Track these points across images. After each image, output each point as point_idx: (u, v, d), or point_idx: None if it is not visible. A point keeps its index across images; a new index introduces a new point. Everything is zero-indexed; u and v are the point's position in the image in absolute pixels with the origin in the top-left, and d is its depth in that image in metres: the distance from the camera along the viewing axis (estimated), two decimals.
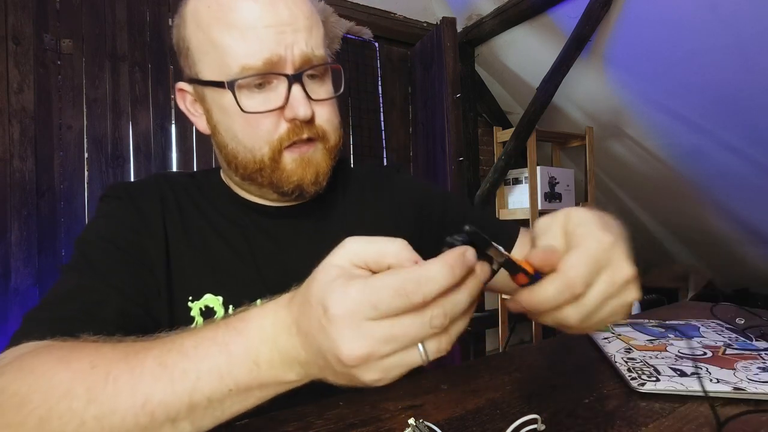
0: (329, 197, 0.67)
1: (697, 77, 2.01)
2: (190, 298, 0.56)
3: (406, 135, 2.64)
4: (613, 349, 0.66)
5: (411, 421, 0.42)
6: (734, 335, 0.72)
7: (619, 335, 0.73)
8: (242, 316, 0.35)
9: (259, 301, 0.36)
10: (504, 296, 2.53)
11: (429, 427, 0.43)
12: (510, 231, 0.69)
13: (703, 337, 0.72)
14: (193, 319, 0.56)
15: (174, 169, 1.92)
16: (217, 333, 0.35)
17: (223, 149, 0.59)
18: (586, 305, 0.34)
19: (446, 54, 2.25)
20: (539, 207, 2.40)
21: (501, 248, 0.33)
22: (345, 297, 0.28)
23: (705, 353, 0.63)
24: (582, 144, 2.62)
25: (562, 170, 2.55)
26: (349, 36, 2.33)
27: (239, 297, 0.50)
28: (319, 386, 0.58)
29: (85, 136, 1.74)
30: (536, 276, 0.34)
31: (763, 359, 0.59)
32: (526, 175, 2.43)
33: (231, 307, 0.57)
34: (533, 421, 0.42)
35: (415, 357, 0.29)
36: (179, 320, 0.55)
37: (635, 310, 2.67)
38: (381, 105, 2.53)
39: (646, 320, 0.84)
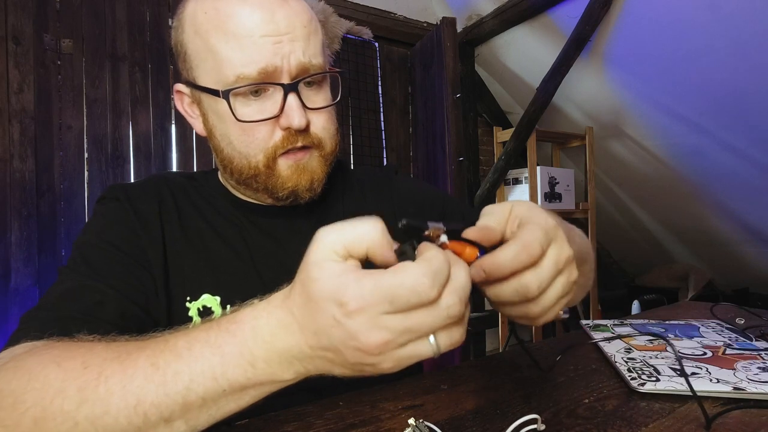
0: (329, 197, 0.67)
1: (697, 77, 2.01)
2: (188, 298, 0.56)
3: (406, 135, 2.64)
4: (613, 349, 0.66)
5: (411, 421, 0.42)
6: (734, 335, 0.72)
7: (619, 335, 0.73)
8: (234, 317, 0.35)
9: (256, 300, 0.36)
10: None
11: (429, 427, 0.43)
12: None
13: (703, 337, 0.72)
14: (191, 319, 0.56)
15: (174, 169, 1.92)
16: (209, 334, 0.35)
17: (219, 153, 0.59)
18: (543, 270, 0.35)
19: (446, 54, 2.25)
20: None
21: (440, 224, 0.35)
22: (362, 293, 0.29)
23: (705, 353, 0.63)
24: (582, 144, 2.62)
25: (562, 170, 2.55)
26: (349, 36, 2.33)
27: (237, 297, 0.50)
28: (319, 386, 0.58)
29: (85, 136, 1.74)
30: (482, 252, 0.36)
31: (763, 359, 0.59)
32: (526, 175, 2.43)
33: (229, 307, 0.57)
34: (533, 421, 0.42)
35: (426, 348, 0.30)
36: (177, 320, 0.55)
37: (635, 310, 2.68)
38: (381, 105, 2.53)
39: (646, 320, 0.84)
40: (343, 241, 0.31)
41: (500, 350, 2.57)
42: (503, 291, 0.36)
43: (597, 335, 0.74)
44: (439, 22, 2.32)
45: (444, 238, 0.35)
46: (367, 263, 0.32)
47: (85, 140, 1.74)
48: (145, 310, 0.54)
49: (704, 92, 2.05)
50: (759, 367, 0.56)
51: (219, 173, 0.69)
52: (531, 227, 0.35)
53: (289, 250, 0.63)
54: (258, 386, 0.35)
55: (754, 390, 0.49)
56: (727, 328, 0.76)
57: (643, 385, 0.52)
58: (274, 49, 0.52)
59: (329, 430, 0.45)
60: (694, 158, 2.35)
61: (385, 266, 0.31)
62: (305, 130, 0.56)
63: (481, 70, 2.89)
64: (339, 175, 0.70)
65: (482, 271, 0.35)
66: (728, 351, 0.64)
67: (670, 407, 0.48)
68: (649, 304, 2.62)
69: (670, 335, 0.73)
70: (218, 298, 0.57)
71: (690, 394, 0.50)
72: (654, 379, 0.53)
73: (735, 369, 0.56)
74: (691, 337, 0.71)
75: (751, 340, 0.69)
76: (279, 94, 0.54)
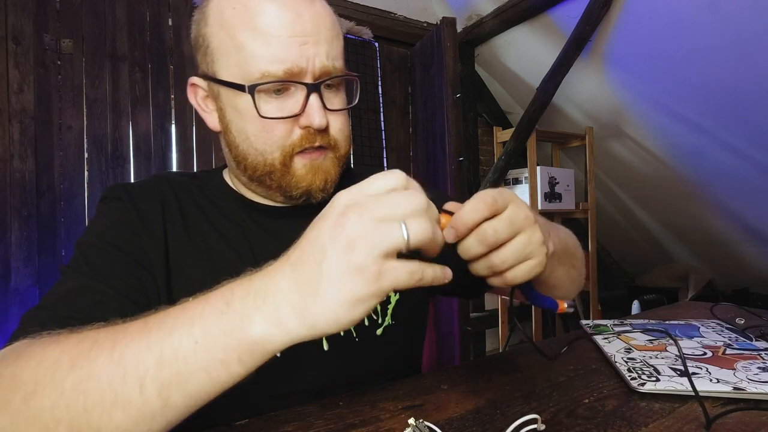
0: (332, 197, 0.67)
1: (697, 77, 2.01)
2: (190, 299, 0.56)
3: (406, 135, 2.64)
4: (613, 349, 0.66)
5: (411, 421, 0.42)
6: (734, 335, 0.72)
7: (619, 335, 0.73)
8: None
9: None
10: (504, 297, 2.54)
11: (429, 427, 0.43)
12: None
13: (703, 337, 0.72)
14: None
15: (174, 169, 1.92)
16: (207, 295, 0.37)
17: (234, 149, 0.59)
18: (499, 220, 0.41)
19: (446, 54, 2.25)
20: (539, 207, 2.40)
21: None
22: (350, 195, 0.36)
23: (705, 353, 0.63)
24: (582, 144, 2.62)
25: (562, 170, 2.55)
26: (349, 36, 2.33)
27: None
28: (319, 386, 0.58)
29: (85, 136, 1.74)
30: None
31: (763, 359, 0.59)
32: (526, 175, 2.43)
33: None
34: (533, 421, 0.42)
35: (398, 233, 0.33)
36: None
37: (635, 310, 2.68)
38: (381, 105, 2.53)
39: (646, 320, 0.84)
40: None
41: (500, 350, 2.57)
42: (468, 243, 0.41)
43: (597, 335, 0.74)
44: (439, 22, 2.32)
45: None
46: None
47: (85, 140, 1.74)
48: (146, 311, 0.54)
49: (704, 92, 2.05)
50: (759, 367, 0.56)
51: (225, 171, 0.68)
52: (491, 190, 0.42)
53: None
54: (227, 336, 0.34)
55: (754, 390, 0.49)
56: (727, 328, 0.76)
57: (643, 385, 0.52)
58: (300, 50, 0.53)
59: (329, 430, 0.45)
60: (694, 158, 2.35)
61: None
62: (324, 131, 0.57)
63: (481, 70, 2.89)
64: (346, 176, 0.71)
65: (451, 229, 0.41)
66: (728, 351, 0.64)
67: (670, 407, 0.48)
68: (649, 304, 2.62)
69: (670, 335, 0.73)
70: None
71: (690, 394, 0.50)
72: (654, 379, 0.53)
73: (735, 369, 0.56)
74: (691, 337, 0.71)
75: (751, 340, 0.69)
76: (301, 93, 0.55)
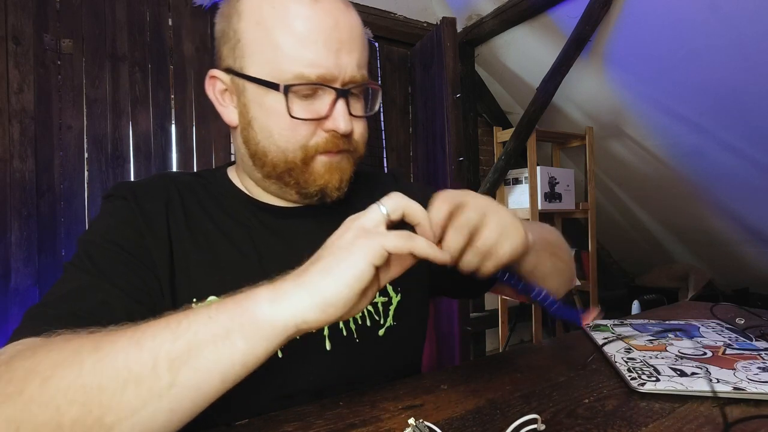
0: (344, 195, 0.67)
1: (697, 77, 2.01)
2: (194, 299, 0.56)
3: (406, 135, 2.64)
4: (613, 349, 0.66)
5: (411, 421, 0.42)
6: (734, 335, 0.72)
7: (619, 335, 0.73)
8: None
9: None
10: (504, 297, 2.53)
11: (429, 427, 0.43)
12: None
13: (703, 337, 0.72)
14: None
15: (174, 169, 1.92)
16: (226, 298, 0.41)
17: (253, 145, 0.59)
18: (473, 204, 0.46)
19: (446, 54, 2.25)
20: (539, 207, 2.40)
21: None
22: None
23: (705, 353, 0.63)
24: (582, 144, 2.62)
25: (562, 170, 2.55)
26: None
27: None
28: (320, 387, 0.58)
29: (85, 136, 1.74)
30: None
31: (763, 359, 0.60)
32: (526, 175, 2.43)
33: None
34: (533, 421, 0.42)
35: (377, 209, 0.43)
36: None
37: (635, 310, 2.68)
38: (381, 105, 2.53)
39: (646, 320, 0.84)
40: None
41: (500, 350, 2.58)
42: (449, 238, 0.45)
43: (597, 335, 0.74)
44: (439, 22, 2.32)
45: None
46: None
47: (85, 140, 1.74)
48: (151, 311, 0.54)
49: (704, 92, 2.05)
50: (759, 367, 0.56)
51: (230, 170, 0.68)
52: (445, 191, 0.48)
53: (297, 251, 0.63)
54: (239, 306, 0.38)
55: (754, 390, 0.49)
56: (727, 328, 0.77)
57: (643, 385, 0.52)
58: (335, 57, 0.54)
59: (329, 430, 0.45)
60: (694, 158, 2.35)
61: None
62: (347, 136, 0.58)
63: (481, 70, 2.89)
64: (356, 175, 0.71)
65: (430, 232, 0.45)
66: (728, 351, 0.64)
67: (670, 407, 0.48)
68: (649, 304, 2.62)
69: (670, 335, 0.73)
70: None
71: (690, 394, 0.50)
72: (654, 379, 0.53)
73: (735, 369, 0.56)
74: (691, 337, 0.71)
75: (751, 340, 0.69)
76: (329, 97, 0.56)
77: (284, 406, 0.51)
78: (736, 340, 0.69)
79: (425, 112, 2.47)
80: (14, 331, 0.45)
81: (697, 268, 2.86)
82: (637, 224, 3.07)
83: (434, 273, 0.73)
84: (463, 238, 0.45)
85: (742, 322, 0.83)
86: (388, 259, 0.41)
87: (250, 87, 0.57)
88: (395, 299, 0.65)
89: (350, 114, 0.57)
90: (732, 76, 1.92)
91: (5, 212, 1.60)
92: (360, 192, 0.70)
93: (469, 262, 0.47)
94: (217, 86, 0.61)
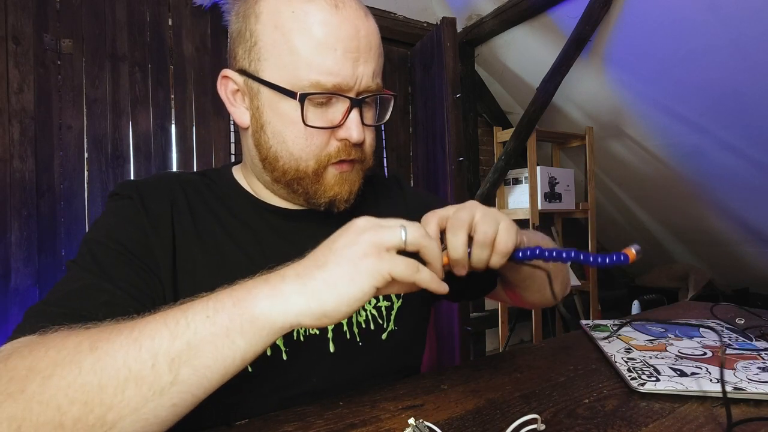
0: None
1: (697, 77, 2.01)
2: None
3: (406, 135, 2.64)
4: (613, 349, 0.66)
5: (411, 421, 0.42)
6: (734, 335, 0.72)
7: (619, 335, 0.73)
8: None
9: None
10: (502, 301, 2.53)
11: (429, 427, 0.43)
12: None
13: (703, 337, 0.72)
14: None
15: (174, 169, 1.92)
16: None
17: (264, 149, 0.58)
18: (458, 208, 0.49)
19: (446, 54, 2.25)
20: (539, 207, 2.40)
21: None
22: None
23: (705, 353, 0.63)
24: (582, 144, 2.62)
25: (562, 170, 2.55)
26: None
27: None
28: (322, 389, 0.58)
29: (85, 136, 1.74)
30: None
31: (763, 359, 0.60)
32: (526, 175, 2.43)
33: None
34: (533, 421, 0.42)
35: (397, 232, 0.42)
36: None
37: (635, 310, 2.68)
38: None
39: (646, 320, 0.84)
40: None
41: (500, 350, 2.57)
42: (450, 240, 0.47)
43: (597, 335, 0.74)
44: (439, 22, 2.32)
45: None
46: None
47: (85, 140, 1.74)
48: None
49: (704, 92, 2.05)
50: (759, 367, 0.56)
51: (235, 169, 0.68)
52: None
53: (304, 252, 0.63)
54: (237, 305, 0.38)
55: (754, 390, 0.49)
56: (727, 328, 0.77)
57: (643, 385, 0.52)
58: (352, 67, 0.54)
59: (329, 430, 0.45)
60: (694, 158, 2.35)
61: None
62: (359, 145, 0.58)
63: (481, 70, 2.89)
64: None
65: (440, 271, 0.46)
66: (728, 351, 0.64)
67: (670, 407, 0.48)
68: (649, 304, 2.62)
69: (669, 335, 0.73)
70: None
71: (690, 394, 0.50)
72: (654, 379, 0.53)
73: (735, 369, 0.56)
74: (691, 337, 0.71)
75: (751, 340, 0.69)
76: (343, 106, 0.56)
77: (284, 405, 0.51)
78: (736, 340, 0.69)
79: (425, 112, 2.47)
80: (15, 329, 0.45)
81: (697, 268, 2.86)
82: (637, 224, 3.07)
83: None
84: (463, 236, 0.47)
85: (742, 322, 0.83)
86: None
87: (265, 91, 0.56)
88: (396, 304, 0.65)
89: (364, 124, 0.57)
90: (732, 76, 1.92)
91: (5, 212, 1.60)
92: (366, 195, 0.70)
93: (478, 256, 0.48)
94: (229, 86, 0.60)
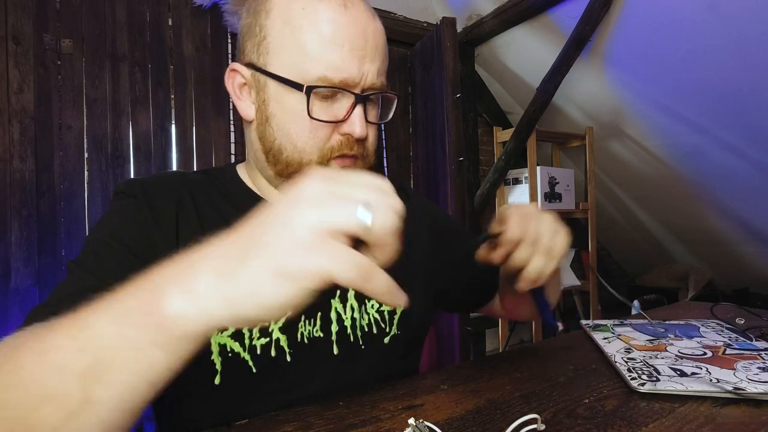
0: None
1: (697, 77, 2.01)
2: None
3: (406, 135, 2.64)
4: (613, 349, 0.66)
5: (411, 421, 0.42)
6: (734, 335, 0.72)
7: (619, 335, 0.73)
8: None
9: None
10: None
11: (429, 427, 0.43)
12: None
13: (703, 337, 0.72)
14: None
15: (174, 169, 1.92)
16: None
17: (269, 142, 0.59)
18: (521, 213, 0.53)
19: (446, 54, 2.25)
20: (539, 207, 2.39)
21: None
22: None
23: (705, 353, 0.63)
24: (582, 144, 2.62)
25: (562, 170, 2.55)
26: None
27: None
28: (324, 392, 0.58)
29: (85, 136, 1.74)
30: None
31: (763, 359, 0.60)
32: (526, 175, 2.43)
33: None
34: (533, 421, 0.42)
35: (350, 213, 0.31)
36: None
37: (635, 310, 2.68)
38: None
39: (646, 320, 0.84)
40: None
41: (500, 350, 2.57)
42: (523, 251, 0.52)
43: (597, 335, 0.74)
44: (439, 22, 2.32)
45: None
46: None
47: (85, 140, 1.74)
48: None
49: (704, 92, 2.05)
50: (759, 367, 0.56)
51: (239, 167, 0.68)
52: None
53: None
54: (142, 310, 0.31)
55: (754, 390, 0.49)
56: (727, 328, 0.77)
57: (643, 385, 0.52)
58: (358, 64, 0.55)
59: (329, 430, 0.45)
60: (694, 158, 2.35)
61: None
62: (361, 140, 0.59)
63: (481, 70, 2.89)
64: None
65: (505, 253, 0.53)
66: (728, 351, 0.64)
67: (670, 407, 0.48)
68: (649, 304, 2.62)
69: (669, 335, 0.73)
70: None
71: (690, 394, 0.50)
72: (654, 379, 0.53)
73: (735, 369, 0.56)
74: (691, 337, 0.71)
75: (751, 340, 0.69)
76: (347, 101, 0.57)
77: (284, 405, 0.51)
78: (736, 340, 0.69)
79: (425, 112, 2.47)
80: (17, 329, 0.45)
81: (697, 268, 2.86)
82: (637, 224, 3.07)
83: (439, 291, 0.75)
84: (531, 252, 0.51)
85: (742, 322, 0.83)
86: None
87: (272, 84, 0.57)
88: (399, 309, 0.66)
89: (367, 120, 0.58)
90: (732, 76, 1.92)
91: (5, 212, 1.60)
92: None
93: (535, 264, 0.52)
94: (236, 80, 0.61)
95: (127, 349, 0.31)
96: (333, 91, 0.56)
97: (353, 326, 0.61)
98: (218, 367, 0.48)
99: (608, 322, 0.82)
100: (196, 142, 1.96)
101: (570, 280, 2.57)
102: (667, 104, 2.20)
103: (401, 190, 0.79)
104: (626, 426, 0.44)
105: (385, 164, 2.54)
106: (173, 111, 1.92)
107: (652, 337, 0.72)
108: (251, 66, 0.59)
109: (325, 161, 0.58)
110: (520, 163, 2.56)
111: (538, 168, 2.41)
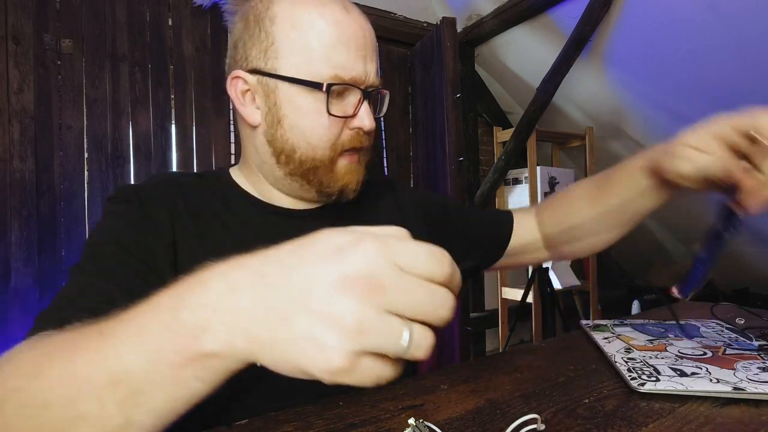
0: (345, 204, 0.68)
1: (697, 77, 2.01)
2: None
3: (406, 135, 2.64)
4: (613, 349, 0.66)
5: (411, 421, 0.42)
6: (734, 335, 0.72)
7: (619, 335, 0.73)
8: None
9: None
10: (504, 296, 2.52)
11: (429, 427, 0.43)
12: (505, 214, 0.83)
13: (703, 337, 0.72)
14: None
15: (174, 169, 1.92)
16: (158, 299, 0.34)
17: (280, 143, 0.61)
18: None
19: (446, 54, 2.25)
20: None
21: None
22: (374, 237, 0.29)
23: (705, 353, 0.63)
24: (582, 144, 2.62)
25: (562, 170, 2.55)
26: None
27: None
28: (319, 386, 0.58)
29: (85, 136, 1.74)
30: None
31: (763, 359, 0.60)
32: (526, 175, 2.43)
33: None
34: (533, 421, 0.42)
35: (397, 340, 0.27)
36: None
37: (635, 310, 2.68)
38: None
39: (646, 320, 0.84)
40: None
41: (500, 350, 2.57)
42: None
43: (597, 335, 0.74)
44: (439, 22, 2.32)
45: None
46: None
47: (85, 140, 1.74)
48: None
49: (704, 92, 2.05)
50: (759, 367, 0.56)
51: (233, 170, 0.69)
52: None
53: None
54: (180, 354, 0.30)
55: (754, 390, 0.49)
56: (727, 328, 0.76)
57: (643, 385, 0.52)
58: (362, 63, 0.59)
59: (329, 430, 0.45)
60: None
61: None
62: (368, 133, 0.63)
63: (481, 70, 2.89)
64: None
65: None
66: (728, 351, 0.64)
67: (670, 407, 0.48)
68: (649, 304, 2.62)
69: (670, 335, 0.73)
70: None
71: (690, 394, 0.50)
72: (654, 379, 0.53)
73: (735, 369, 0.56)
74: (691, 337, 0.71)
75: (751, 340, 0.69)
76: (354, 98, 0.60)
77: (284, 405, 0.51)
78: (736, 340, 0.69)
79: (425, 112, 2.47)
80: (26, 336, 0.45)
81: None
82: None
83: None
84: None
85: (742, 322, 0.83)
86: None
87: (283, 86, 0.59)
88: None
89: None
90: (732, 76, 1.92)
91: (5, 212, 1.60)
92: (367, 195, 0.73)
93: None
94: (239, 86, 0.62)
95: (167, 382, 0.31)
96: (344, 88, 0.59)
97: None
98: None
99: (608, 322, 0.82)
100: (196, 142, 1.96)
101: (570, 280, 2.57)
102: (667, 104, 2.20)
103: (388, 184, 0.81)
104: (626, 426, 0.44)
105: (385, 164, 2.54)
106: (173, 111, 1.92)
107: (652, 337, 0.72)
108: (257, 72, 0.60)
109: (336, 156, 0.61)
110: (520, 163, 2.56)
111: (538, 168, 2.41)
